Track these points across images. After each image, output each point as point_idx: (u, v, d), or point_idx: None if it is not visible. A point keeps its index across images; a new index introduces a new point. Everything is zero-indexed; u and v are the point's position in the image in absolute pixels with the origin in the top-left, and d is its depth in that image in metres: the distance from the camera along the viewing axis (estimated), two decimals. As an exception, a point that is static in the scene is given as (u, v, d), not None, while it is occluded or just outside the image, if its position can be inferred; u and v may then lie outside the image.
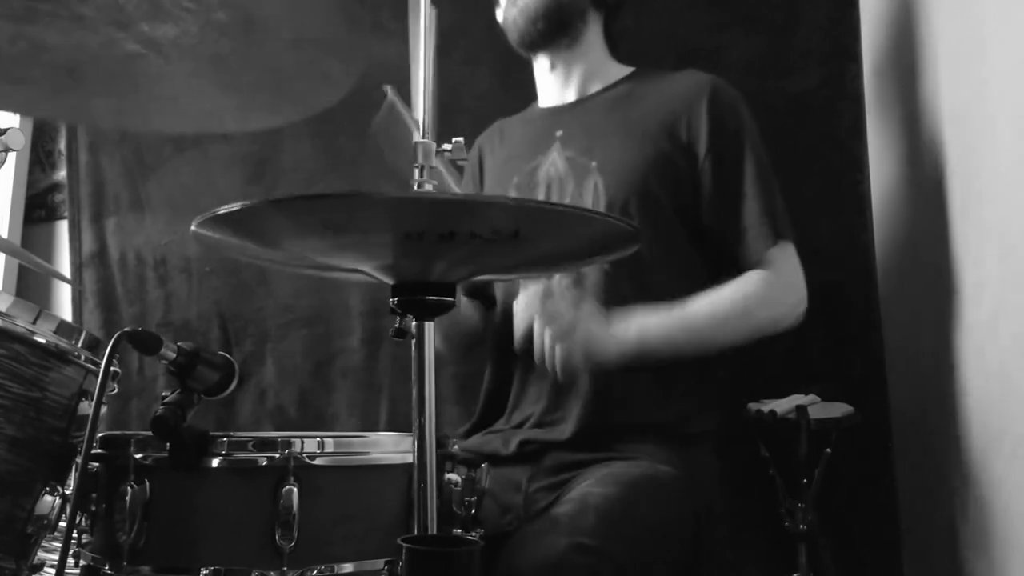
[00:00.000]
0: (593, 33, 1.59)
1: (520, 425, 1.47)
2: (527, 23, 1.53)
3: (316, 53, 1.11)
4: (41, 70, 1.06)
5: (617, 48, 1.64)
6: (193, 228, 0.81)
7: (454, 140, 0.97)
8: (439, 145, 0.94)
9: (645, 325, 1.35)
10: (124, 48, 1.06)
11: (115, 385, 1.08)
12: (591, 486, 1.29)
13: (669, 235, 1.46)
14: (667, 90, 1.53)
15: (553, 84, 1.62)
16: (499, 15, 1.59)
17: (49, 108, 1.23)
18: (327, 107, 1.16)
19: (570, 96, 1.60)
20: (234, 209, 0.74)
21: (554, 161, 1.53)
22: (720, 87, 1.50)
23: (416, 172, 0.92)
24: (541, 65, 1.62)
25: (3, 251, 2.23)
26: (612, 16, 1.62)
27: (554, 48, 1.57)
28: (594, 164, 1.48)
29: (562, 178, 1.51)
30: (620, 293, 1.42)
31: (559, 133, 1.55)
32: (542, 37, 1.55)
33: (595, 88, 1.59)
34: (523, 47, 1.59)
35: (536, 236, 0.81)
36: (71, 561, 1.00)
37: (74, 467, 1.07)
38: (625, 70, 1.61)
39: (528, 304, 1.30)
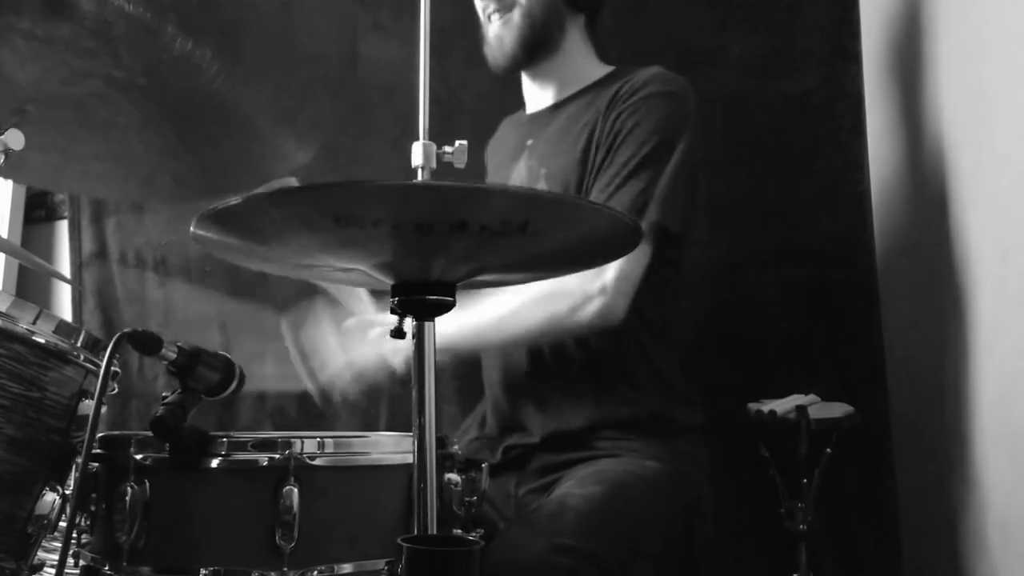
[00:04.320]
0: (573, 37, 1.56)
1: (501, 433, 1.50)
2: (507, 61, 1.54)
3: (300, 101, 1.10)
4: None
5: (604, 47, 1.61)
6: (193, 228, 0.81)
7: (457, 143, 0.96)
8: (440, 147, 0.94)
9: (454, 321, 1.31)
10: (82, 87, 1.03)
11: (115, 385, 1.08)
12: (571, 487, 1.30)
13: None
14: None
15: (535, 91, 1.62)
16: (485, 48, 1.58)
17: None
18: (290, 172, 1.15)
19: (547, 102, 1.60)
20: (236, 202, 0.74)
21: (520, 170, 1.55)
22: (658, 75, 1.46)
23: (418, 173, 0.92)
24: (524, 75, 1.62)
25: (3, 251, 2.23)
26: (593, 15, 1.59)
27: (535, 64, 1.57)
28: (543, 171, 1.51)
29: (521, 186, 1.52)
30: None
31: (530, 142, 1.57)
32: (520, 65, 1.56)
33: (569, 93, 1.57)
34: (506, 73, 1.59)
35: (544, 228, 0.80)
36: (71, 561, 0.99)
37: (74, 467, 1.06)
38: (604, 70, 1.57)
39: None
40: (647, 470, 1.35)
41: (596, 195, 1.41)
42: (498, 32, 1.52)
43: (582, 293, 1.36)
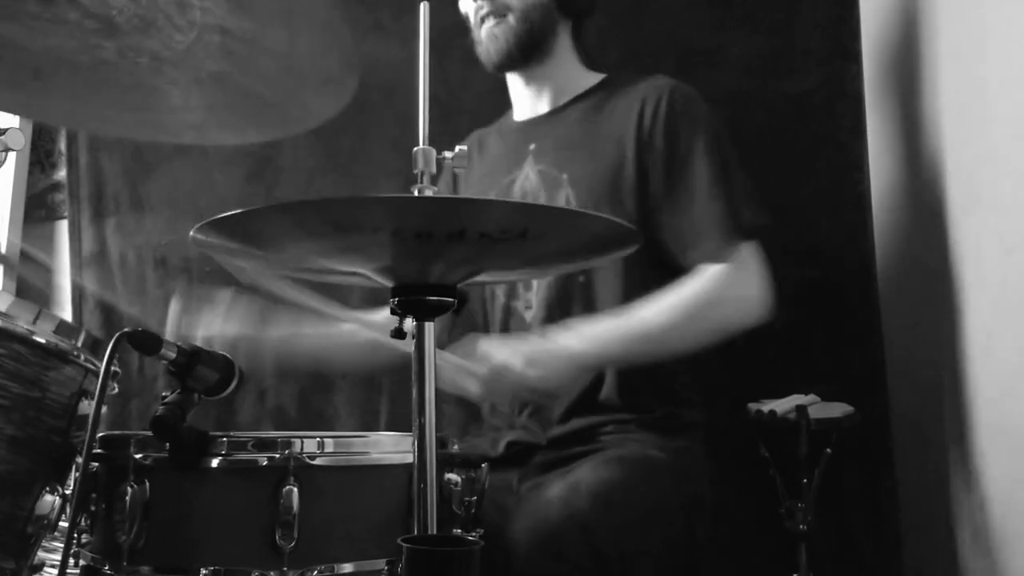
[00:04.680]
0: (563, 44, 1.59)
1: (503, 427, 1.51)
2: (501, 57, 1.55)
3: (311, 71, 1.11)
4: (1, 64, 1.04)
5: (589, 55, 1.63)
6: (192, 234, 0.81)
7: (457, 148, 0.96)
8: (439, 152, 0.94)
9: (587, 335, 1.35)
10: (99, 55, 1.05)
11: (115, 385, 1.08)
12: (583, 473, 1.31)
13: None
14: (632, 96, 1.53)
15: (527, 97, 1.63)
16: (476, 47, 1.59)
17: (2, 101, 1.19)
18: (315, 126, 1.15)
19: (543, 108, 1.61)
20: (236, 213, 0.74)
21: (528, 174, 1.56)
22: (678, 88, 1.51)
23: (417, 178, 0.92)
24: (515, 80, 1.64)
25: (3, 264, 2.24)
26: (579, 24, 1.61)
27: (527, 67, 1.59)
28: (565, 176, 1.51)
29: (535, 191, 1.53)
30: (568, 303, 1.47)
31: (532, 147, 1.57)
32: (515, 63, 1.57)
33: (566, 99, 1.59)
34: (497, 71, 1.60)
35: (543, 235, 0.81)
36: (70, 561, 1.00)
37: (74, 467, 1.06)
38: (596, 78, 1.61)
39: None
40: (654, 459, 1.37)
41: (683, 207, 1.43)
42: (492, 31, 1.54)
43: (757, 296, 1.41)
